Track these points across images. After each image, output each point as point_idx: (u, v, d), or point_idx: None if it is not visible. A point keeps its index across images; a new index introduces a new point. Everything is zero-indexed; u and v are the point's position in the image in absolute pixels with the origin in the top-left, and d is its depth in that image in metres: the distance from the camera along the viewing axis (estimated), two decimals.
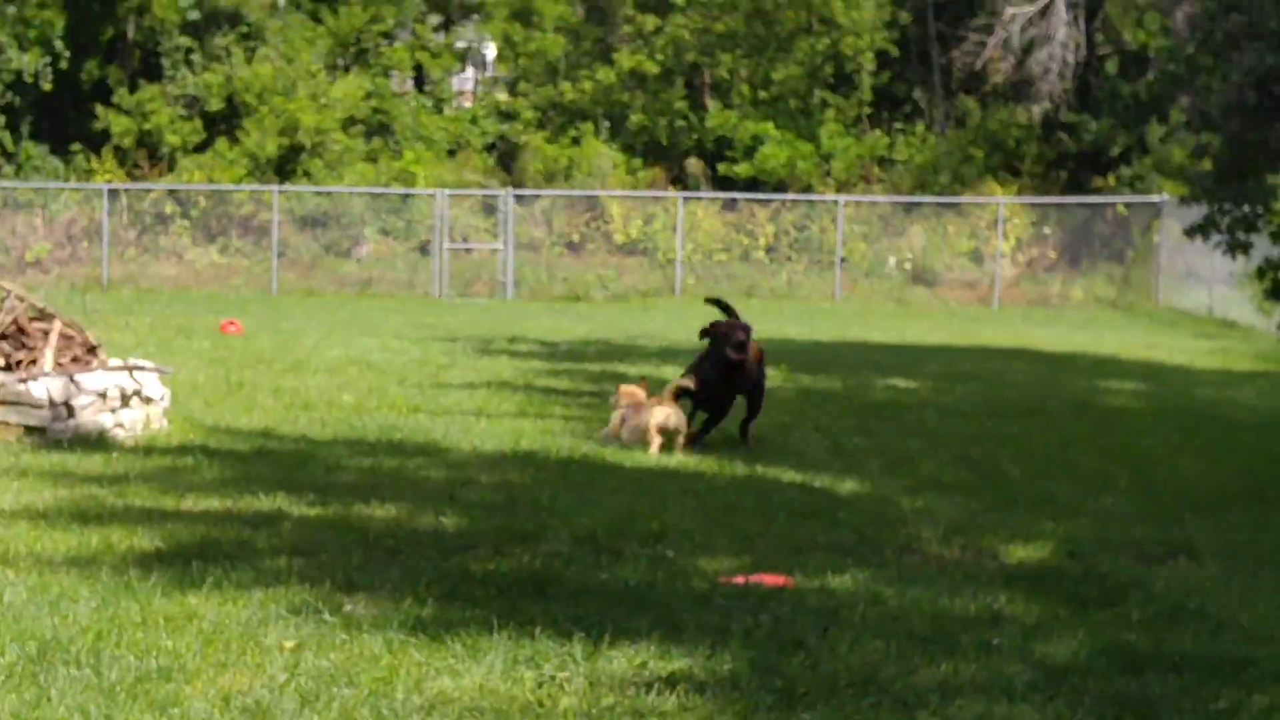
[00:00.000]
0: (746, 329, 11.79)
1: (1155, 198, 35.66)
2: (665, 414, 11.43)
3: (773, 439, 12.28)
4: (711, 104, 41.34)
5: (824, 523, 8.97)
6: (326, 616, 6.63)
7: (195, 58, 39.53)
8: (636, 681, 5.89)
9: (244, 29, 39.90)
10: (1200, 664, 6.25)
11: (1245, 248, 11.88)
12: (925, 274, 37.27)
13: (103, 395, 11.41)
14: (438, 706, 5.57)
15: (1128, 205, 36.73)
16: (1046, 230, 37.57)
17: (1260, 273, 12.03)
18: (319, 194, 37.49)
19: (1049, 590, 7.54)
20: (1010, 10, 39.81)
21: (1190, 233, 12.41)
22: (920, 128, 40.55)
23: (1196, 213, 12.34)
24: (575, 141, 40.73)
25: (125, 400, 11.53)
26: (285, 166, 39.04)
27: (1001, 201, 37.29)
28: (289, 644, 6.23)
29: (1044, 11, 39.66)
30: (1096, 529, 9.13)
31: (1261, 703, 5.81)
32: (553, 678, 5.91)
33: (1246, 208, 11.51)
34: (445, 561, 7.82)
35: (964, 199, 37.95)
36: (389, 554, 7.96)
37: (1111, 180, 38.54)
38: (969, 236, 37.57)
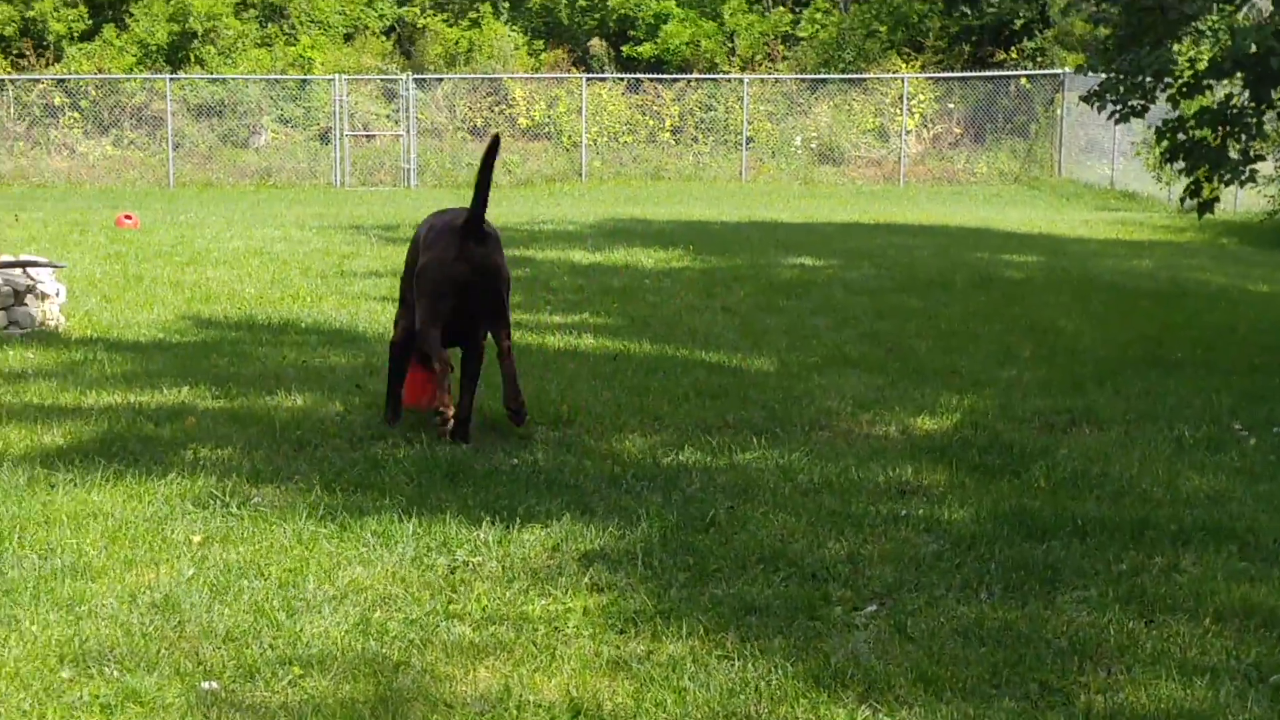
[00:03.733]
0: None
1: (1057, 71, 35.79)
2: None
3: (681, 320, 12.28)
4: None
5: (733, 401, 9.00)
6: (234, 509, 6.58)
7: None
8: (550, 564, 5.90)
9: None
10: (1102, 528, 6.34)
11: (1141, 114, 11.89)
12: (831, 152, 37.29)
13: None
14: (350, 595, 5.54)
15: (1030, 79, 36.84)
16: (950, 105, 37.65)
17: (1158, 135, 12.05)
18: (213, 82, 36.87)
19: (955, 461, 7.61)
20: None
21: (1086, 99, 12.42)
22: (824, 3, 40.40)
23: (1095, 83, 12.35)
24: (475, 24, 40.29)
25: (19, 297, 11.35)
26: (177, 54, 38.38)
27: (906, 77, 37.29)
28: (196, 538, 6.18)
29: None
30: (1001, 400, 9.21)
31: (1161, 564, 5.91)
32: (465, 563, 5.90)
33: (1142, 76, 11.50)
34: (354, 451, 7.78)
35: (868, 75, 37.91)
36: (296, 445, 7.91)
37: (1014, 54, 38.62)
38: (874, 113, 37.57)
